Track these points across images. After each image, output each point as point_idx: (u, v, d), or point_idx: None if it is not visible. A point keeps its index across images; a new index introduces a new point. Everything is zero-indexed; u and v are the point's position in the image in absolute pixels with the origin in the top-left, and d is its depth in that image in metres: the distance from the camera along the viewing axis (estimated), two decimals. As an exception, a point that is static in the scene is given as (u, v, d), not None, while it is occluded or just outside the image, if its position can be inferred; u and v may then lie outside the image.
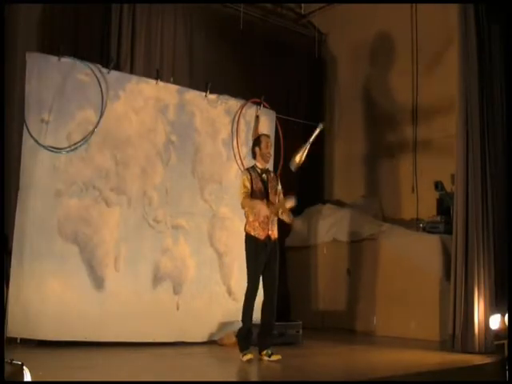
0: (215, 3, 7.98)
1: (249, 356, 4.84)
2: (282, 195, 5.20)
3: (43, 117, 5.49)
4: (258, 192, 4.99)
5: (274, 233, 5.02)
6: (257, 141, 5.25)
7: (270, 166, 6.58)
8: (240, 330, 4.98)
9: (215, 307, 6.15)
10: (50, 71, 5.54)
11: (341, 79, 9.04)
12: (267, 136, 5.41)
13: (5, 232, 5.09)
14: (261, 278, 4.95)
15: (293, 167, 5.32)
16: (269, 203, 4.96)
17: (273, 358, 4.87)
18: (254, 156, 5.21)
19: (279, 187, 5.23)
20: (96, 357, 4.95)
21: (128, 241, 5.79)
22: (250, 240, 4.96)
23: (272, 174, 5.22)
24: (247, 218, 5.03)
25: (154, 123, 6.10)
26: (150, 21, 7.27)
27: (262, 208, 4.89)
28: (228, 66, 7.84)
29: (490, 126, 5.71)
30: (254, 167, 5.15)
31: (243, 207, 5.03)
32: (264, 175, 5.10)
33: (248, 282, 4.98)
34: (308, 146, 5.28)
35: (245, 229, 5.04)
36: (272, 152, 6.73)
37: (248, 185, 4.99)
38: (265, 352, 4.91)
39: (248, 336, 4.94)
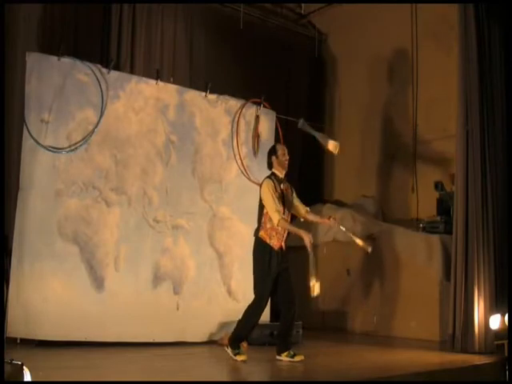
0: (215, 3, 7.98)
1: (243, 357, 4.81)
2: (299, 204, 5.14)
3: (43, 117, 5.48)
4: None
5: (284, 243, 4.92)
6: (272, 150, 5.09)
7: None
8: (238, 333, 4.91)
9: (215, 307, 6.15)
10: (49, 71, 5.54)
11: (341, 79, 9.04)
12: (281, 143, 5.44)
13: (5, 232, 5.08)
14: (276, 288, 4.84)
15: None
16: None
17: (296, 358, 4.80)
18: (271, 166, 5.03)
19: (294, 196, 5.12)
20: (96, 357, 4.94)
21: (128, 241, 5.79)
22: (264, 247, 4.83)
23: (287, 184, 5.08)
24: (264, 224, 4.86)
25: (153, 123, 6.10)
26: (149, 21, 7.26)
27: (306, 236, 4.76)
28: (228, 66, 7.84)
29: (490, 126, 5.71)
30: (274, 174, 5.00)
31: (280, 226, 4.79)
32: (282, 185, 4.98)
33: (256, 293, 4.84)
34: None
35: (258, 234, 4.88)
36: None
37: (276, 200, 4.78)
38: (286, 353, 4.83)
39: (243, 340, 4.97)
